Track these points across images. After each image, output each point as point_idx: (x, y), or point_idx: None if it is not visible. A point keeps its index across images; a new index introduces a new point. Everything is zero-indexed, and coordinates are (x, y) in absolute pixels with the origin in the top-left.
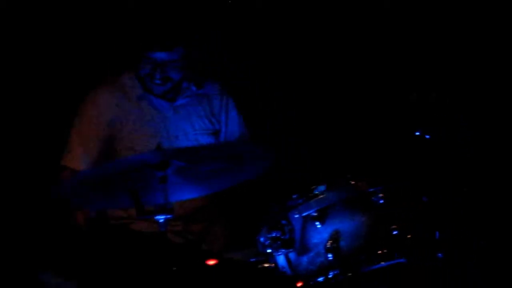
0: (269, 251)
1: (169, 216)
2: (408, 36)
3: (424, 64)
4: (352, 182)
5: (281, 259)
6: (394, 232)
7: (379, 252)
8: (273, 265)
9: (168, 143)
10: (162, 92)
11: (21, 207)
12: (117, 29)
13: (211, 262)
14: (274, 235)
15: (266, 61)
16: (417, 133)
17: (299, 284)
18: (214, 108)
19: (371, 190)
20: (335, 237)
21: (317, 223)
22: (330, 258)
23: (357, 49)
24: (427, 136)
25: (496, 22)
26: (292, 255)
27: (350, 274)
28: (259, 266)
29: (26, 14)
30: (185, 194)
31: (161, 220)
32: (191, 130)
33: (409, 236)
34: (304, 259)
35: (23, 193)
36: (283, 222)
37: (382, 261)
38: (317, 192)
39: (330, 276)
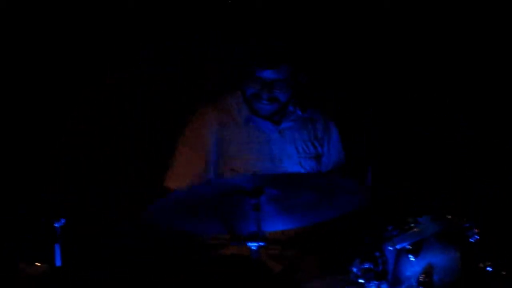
0: (361, 281)
1: (261, 243)
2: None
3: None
4: (448, 216)
5: None
6: (488, 269)
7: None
8: None
9: (272, 166)
10: (269, 113)
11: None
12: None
13: None
14: (367, 266)
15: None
16: None
17: None
18: (318, 132)
19: (467, 225)
20: (428, 271)
21: (410, 256)
22: None
23: None
24: None
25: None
26: (384, 287)
27: None
28: None
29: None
30: (277, 225)
31: (253, 247)
32: (295, 153)
33: (504, 273)
34: None
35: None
36: (377, 254)
37: None
38: (412, 225)
39: None
